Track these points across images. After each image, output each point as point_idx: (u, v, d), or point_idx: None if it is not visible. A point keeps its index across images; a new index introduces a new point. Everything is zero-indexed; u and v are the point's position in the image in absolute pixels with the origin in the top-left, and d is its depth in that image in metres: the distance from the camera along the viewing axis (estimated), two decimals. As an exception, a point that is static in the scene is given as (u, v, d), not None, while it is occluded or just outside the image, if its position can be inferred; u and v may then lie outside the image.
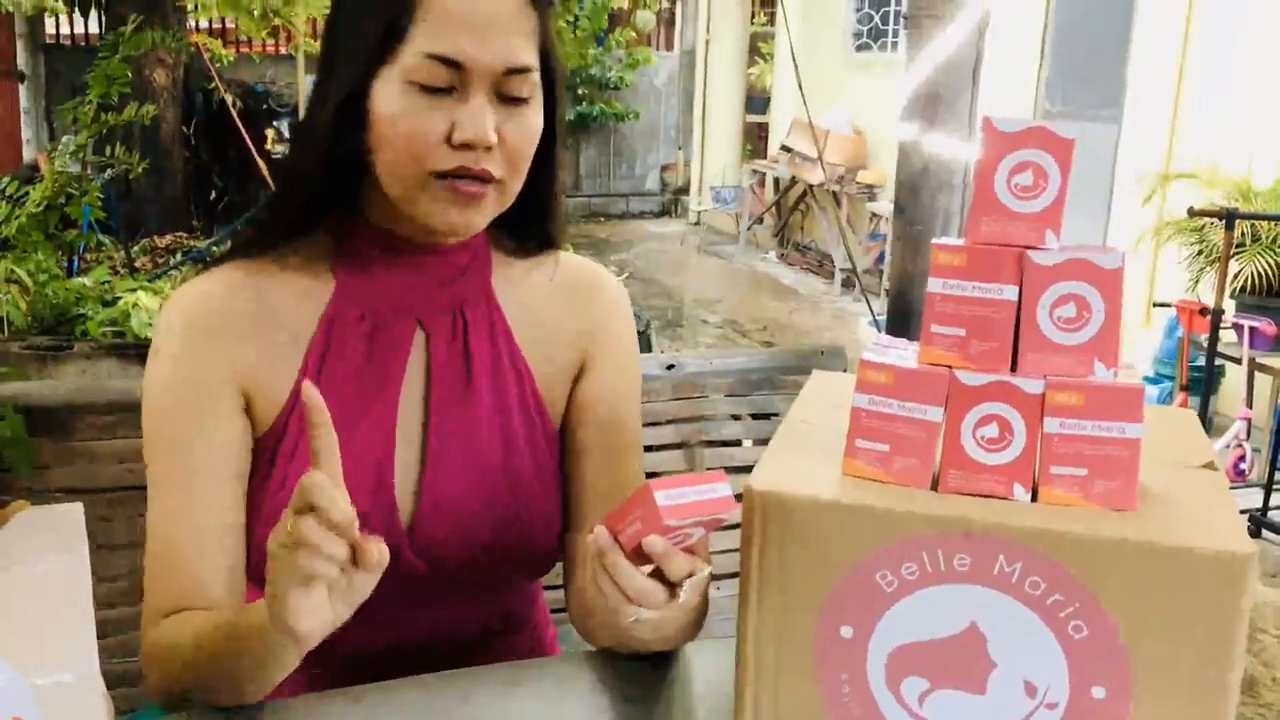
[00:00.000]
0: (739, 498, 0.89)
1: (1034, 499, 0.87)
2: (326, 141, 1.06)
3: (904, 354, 0.93)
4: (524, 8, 1.06)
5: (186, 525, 1.07)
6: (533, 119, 1.07)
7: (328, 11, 1.14)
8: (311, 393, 0.86)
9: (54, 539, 0.76)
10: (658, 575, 0.91)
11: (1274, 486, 4.08)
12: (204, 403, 1.07)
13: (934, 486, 0.89)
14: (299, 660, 0.96)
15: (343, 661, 1.14)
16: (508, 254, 1.21)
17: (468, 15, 1.02)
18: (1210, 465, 0.93)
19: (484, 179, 1.04)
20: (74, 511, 0.78)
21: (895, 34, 8.55)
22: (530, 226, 1.20)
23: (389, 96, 1.02)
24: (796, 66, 3.51)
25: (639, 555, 0.90)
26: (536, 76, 1.07)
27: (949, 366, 0.89)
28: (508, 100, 1.05)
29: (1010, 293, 0.88)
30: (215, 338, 1.08)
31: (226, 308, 1.09)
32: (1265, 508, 4.11)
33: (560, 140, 1.16)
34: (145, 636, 1.07)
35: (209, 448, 1.07)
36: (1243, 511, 4.10)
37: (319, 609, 0.86)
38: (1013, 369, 0.88)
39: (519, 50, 1.04)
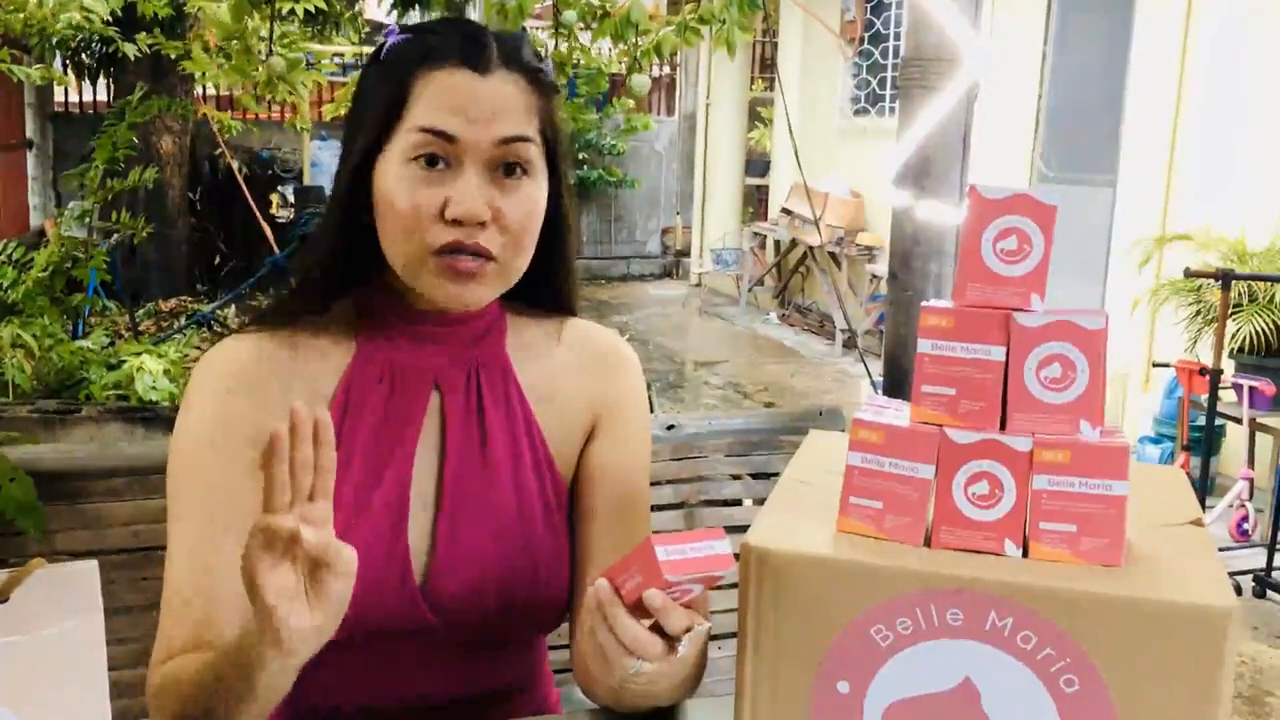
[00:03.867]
0: (737, 556, 0.92)
1: (1025, 554, 0.89)
2: (342, 215, 1.12)
3: (897, 413, 0.96)
4: (524, 89, 1.11)
5: (205, 568, 1.09)
6: (530, 192, 1.11)
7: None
8: (323, 415, 0.89)
9: (69, 598, 0.78)
10: (657, 629, 0.93)
11: (1278, 547, 4.07)
12: (230, 456, 1.10)
13: (927, 543, 0.91)
14: (291, 676, 0.97)
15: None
16: (523, 319, 1.25)
17: (463, 94, 1.08)
18: (1196, 522, 0.95)
19: (480, 254, 1.08)
20: (89, 570, 0.80)
21: (892, 99, 8.66)
22: (544, 293, 1.25)
23: (389, 172, 1.08)
24: (793, 135, 3.56)
25: (639, 609, 0.92)
26: (535, 149, 1.11)
27: (939, 425, 0.91)
28: (505, 175, 1.09)
29: (997, 353, 0.91)
30: (241, 397, 1.12)
31: (253, 371, 1.13)
32: (1269, 568, 4.09)
33: (569, 213, 1.20)
34: (154, 673, 1.08)
35: (233, 497, 1.10)
36: (1247, 572, 4.09)
37: (301, 615, 0.89)
38: (1001, 427, 0.91)
39: (513, 122, 1.09)
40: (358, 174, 1.11)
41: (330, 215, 1.14)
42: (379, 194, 1.09)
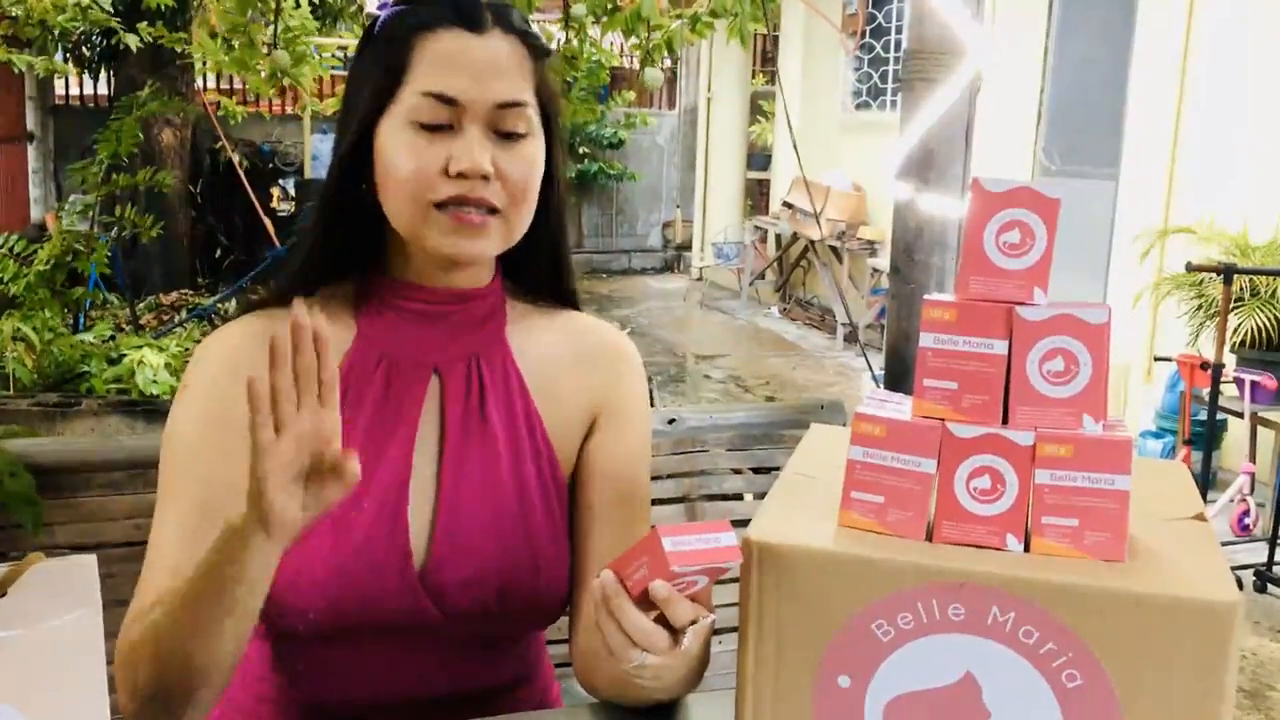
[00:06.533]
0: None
1: (1027, 549, 0.89)
2: (338, 188, 1.14)
3: (899, 407, 0.95)
4: (519, 51, 1.13)
5: (187, 549, 1.07)
6: (530, 152, 1.13)
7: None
8: (321, 328, 0.94)
9: (68, 593, 0.77)
10: (661, 621, 0.93)
11: (1279, 541, 4.07)
12: (225, 440, 1.10)
13: (928, 537, 0.91)
14: (269, 573, 0.97)
15: (355, 717, 1.16)
16: (524, 308, 1.26)
17: (462, 56, 1.10)
18: (1199, 517, 0.95)
19: (484, 207, 1.10)
20: (87, 563, 0.80)
21: (894, 93, 8.64)
22: (543, 279, 1.26)
23: (392, 136, 1.10)
24: (793, 129, 3.56)
25: (644, 601, 0.92)
26: (532, 112, 1.13)
27: (942, 419, 0.91)
28: (504, 135, 1.11)
29: (1000, 347, 0.90)
30: (239, 381, 1.11)
31: (253, 353, 1.13)
32: (1270, 562, 4.09)
33: (561, 183, 1.21)
34: (120, 642, 1.05)
35: (224, 481, 1.09)
36: (1248, 567, 4.08)
37: (291, 502, 0.94)
38: (1004, 421, 0.90)
39: (513, 87, 1.11)
40: (358, 143, 1.12)
41: (329, 186, 1.15)
42: (381, 158, 1.11)
